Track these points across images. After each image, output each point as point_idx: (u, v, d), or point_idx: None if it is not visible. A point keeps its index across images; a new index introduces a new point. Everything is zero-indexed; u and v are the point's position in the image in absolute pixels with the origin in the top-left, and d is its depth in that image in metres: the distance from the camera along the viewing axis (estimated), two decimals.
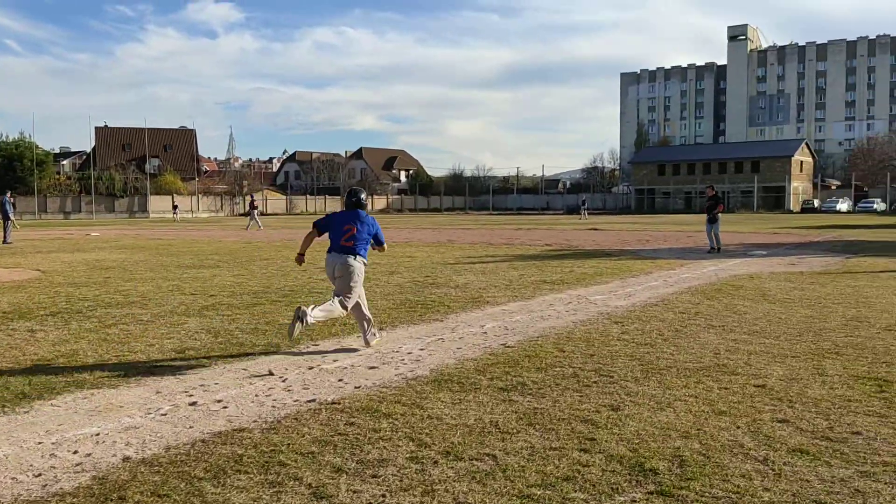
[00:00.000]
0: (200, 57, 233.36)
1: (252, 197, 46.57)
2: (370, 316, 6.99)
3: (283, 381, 5.69)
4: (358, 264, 6.72)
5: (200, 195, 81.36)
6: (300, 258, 7.17)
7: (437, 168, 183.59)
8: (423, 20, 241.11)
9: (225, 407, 4.99)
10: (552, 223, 43.68)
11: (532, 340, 7.16)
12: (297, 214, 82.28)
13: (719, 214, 18.43)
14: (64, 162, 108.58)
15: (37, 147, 73.80)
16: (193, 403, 5.07)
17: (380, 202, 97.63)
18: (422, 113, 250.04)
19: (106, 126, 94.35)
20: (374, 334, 6.98)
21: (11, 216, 24.01)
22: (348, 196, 7.02)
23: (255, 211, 36.21)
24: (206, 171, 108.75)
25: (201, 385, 5.58)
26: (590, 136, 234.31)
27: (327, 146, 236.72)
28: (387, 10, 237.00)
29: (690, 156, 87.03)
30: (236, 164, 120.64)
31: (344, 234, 6.72)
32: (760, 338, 7.24)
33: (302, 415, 4.78)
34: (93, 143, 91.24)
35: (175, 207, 63.99)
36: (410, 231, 32.76)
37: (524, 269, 14.35)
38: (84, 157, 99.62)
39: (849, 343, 6.96)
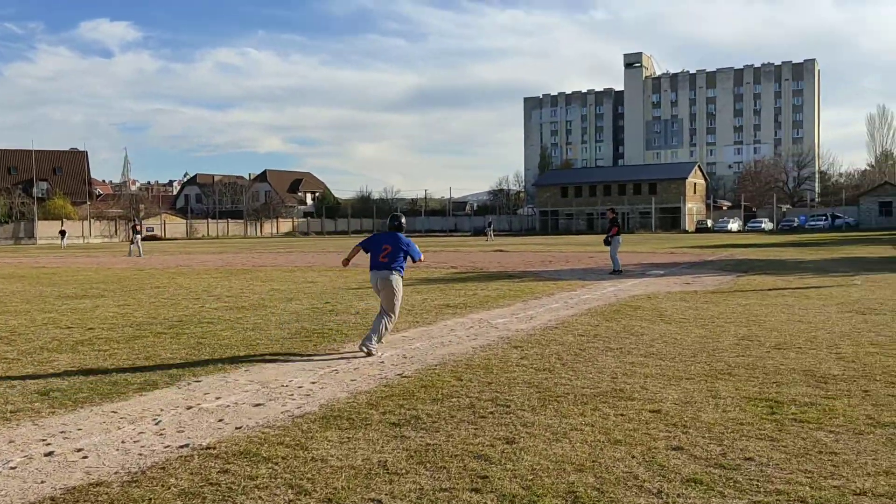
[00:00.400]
0: (94, 77, 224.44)
1: (135, 221, 44.93)
2: (389, 329, 8.09)
3: (157, 423, 5.22)
4: (396, 278, 8.00)
5: (93, 220, 77.60)
6: (346, 263, 8.93)
7: (345, 190, 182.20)
8: (327, 43, 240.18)
9: (85, 457, 4.50)
10: (459, 245, 43.84)
11: (430, 369, 6.92)
12: (199, 239, 79.67)
13: (619, 237, 18.80)
14: None
15: None
16: (50, 454, 4.56)
17: (285, 225, 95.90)
18: (329, 135, 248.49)
19: None
20: (375, 344, 7.71)
21: None
22: (390, 220, 8.29)
23: (138, 237, 34.80)
24: (100, 195, 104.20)
25: (62, 432, 5.05)
26: (497, 159, 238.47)
27: (232, 169, 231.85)
28: (291, 31, 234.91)
29: (591, 178, 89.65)
30: (132, 188, 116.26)
31: (381, 251, 7.94)
32: (657, 360, 7.25)
33: (171, 463, 4.36)
34: None
35: (62, 233, 60.37)
36: (314, 255, 32.11)
37: (428, 292, 14.14)
38: None
39: (741, 363, 7.05)
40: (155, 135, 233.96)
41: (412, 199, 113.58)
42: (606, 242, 18.82)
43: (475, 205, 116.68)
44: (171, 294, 14.50)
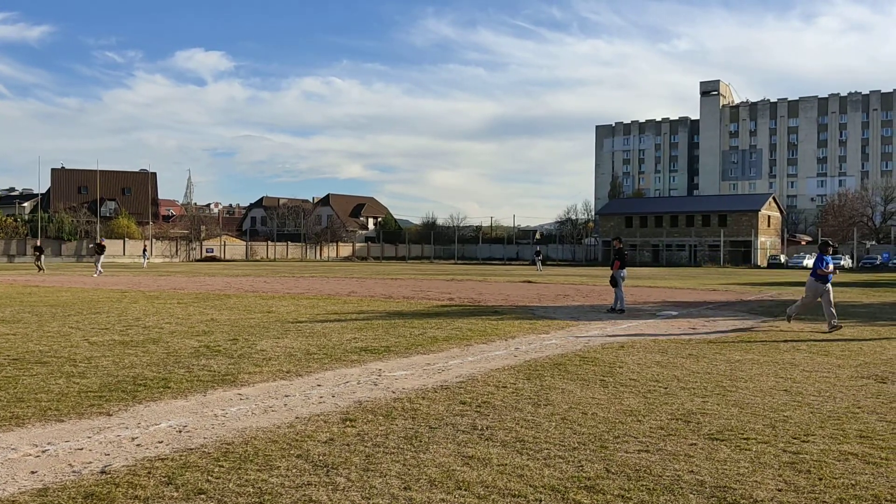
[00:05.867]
0: (188, 104, 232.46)
1: (101, 238, 46.51)
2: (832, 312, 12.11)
3: None
4: (809, 280, 13.05)
5: (155, 240, 78.67)
6: None
7: (413, 217, 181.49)
8: (409, 72, 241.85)
9: None
10: (498, 274, 41.49)
11: (178, 453, 4.84)
12: (256, 261, 79.76)
13: (623, 271, 16.24)
14: (25, 204, 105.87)
15: None
16: None
17: (345, 249, 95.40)
18: (407, 162, 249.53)
19: (63, 168, 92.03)
20: (835, 325, 12.17)
21: None
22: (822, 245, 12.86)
23: (100, 256, 34.81)
24: (173, 216, 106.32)
25: None
26: (569, 187, 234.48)
27: (311, 193, 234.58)
28: (374, 61, 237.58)
29: (658, 208, 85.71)
30: (215, 209, 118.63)
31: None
32: (514, 452, 4.96)
33: None
34: (46, 185, 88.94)
35: (144, 251, 59.69)
36: (325, 281, 30.42)
37: (371, 329, 12.06)
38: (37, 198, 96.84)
39: (633, 465, 4.70)
40: (242, 160, 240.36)
41: (476, 227, 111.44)
42: (612, 282, 16.27)
43: (542, 233, 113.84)
44: (81, 321, 12.86)
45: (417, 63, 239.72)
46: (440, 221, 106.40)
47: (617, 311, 15.70)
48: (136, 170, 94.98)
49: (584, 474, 4.51)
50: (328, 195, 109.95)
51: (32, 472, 4.37)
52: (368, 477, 4.40)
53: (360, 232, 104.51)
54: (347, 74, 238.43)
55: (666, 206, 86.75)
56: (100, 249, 35.39)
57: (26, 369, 7.93)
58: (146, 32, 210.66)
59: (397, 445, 5.11)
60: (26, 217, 79.42)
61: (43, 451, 4.83)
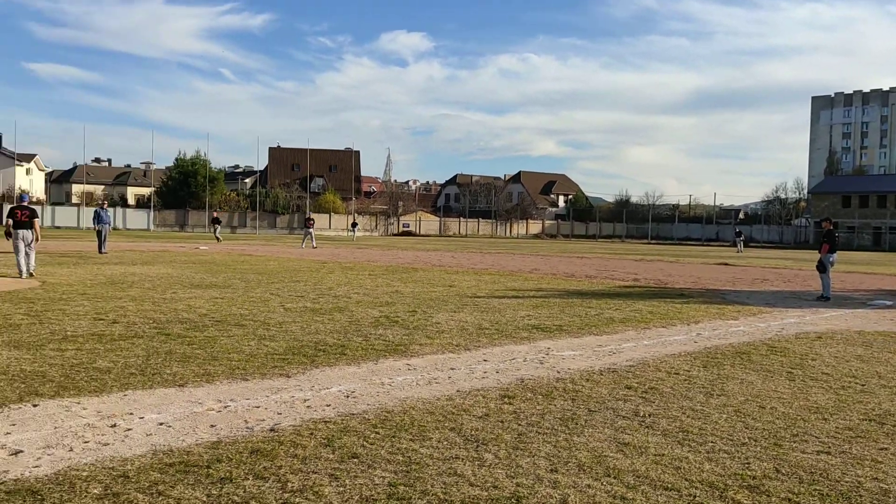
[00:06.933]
0: (391, 85, 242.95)
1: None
2: None
3: None
4: None
5: (357, 214, 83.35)
6: None
7: (605, 194, 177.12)
8: (607, 45, 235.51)
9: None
10: (692, 255, 39.56)
11: (341, 417, 5.09)
12: (449, 236, 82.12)
13: (832, 255, 14.80)
14: (246, 180, 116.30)
15: (209, 165, 78.96)
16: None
17: (534, 226, 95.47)
18: (602, 139, 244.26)
19: (279, 147, 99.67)
20: None
21: (107, 225, 24.70)
22: None
23: (311, 230, 37.72)
24: (373, 192, 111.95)
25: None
26: (779, 164, 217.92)
27: (503, 171, 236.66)
28: (571, 35, 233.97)
29: (882, 187, 77.22)
30: (412, 186, 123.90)
31: None
32: (675, 443, 4.69)
33: None
34: (264, 163, 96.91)
35: (354, 225, 63.02)
36: (510, 258, 30.57)
37: (547, 307, 11.97)
38: (256, 175, 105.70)
39: (807, 467, 4.27)
40: (439, 138, 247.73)
41: (673, 205, 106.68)
42: (820, 267, 14.88)
43: (746, 213, 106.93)
44: (281, 289, 13.88)
45: (617, 36, 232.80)
46: (634, 199, 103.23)
47: (822, 298, 14.38)
48: (342, 148, 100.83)
49: (749, 472, 4.18)
50: (519, 172, 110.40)
51: (211, 426, 4.79)
52: (517, 456, 4.37)
53: (551, 209, 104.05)
54: (543, 50, 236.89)
55: (891, 185, 77.96)
56: (309, 223, 38.12)
57: (225, 331, 8.71)
58: (355, 17, 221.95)
59: (552, 426, 5.02)
60: (247, 192, 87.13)
61: (225, 407, 5.28)
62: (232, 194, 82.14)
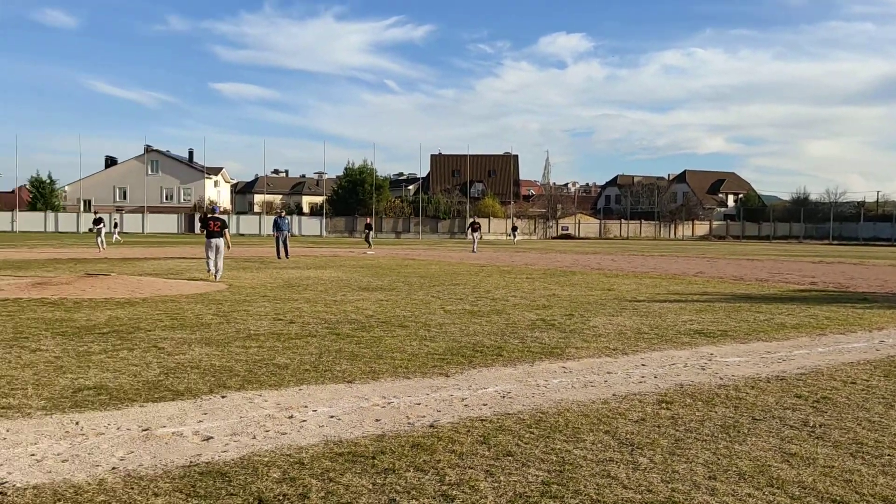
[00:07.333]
0: (550, 87, 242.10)
1: (475, 218, 51.33)
2: None
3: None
4: None
5: (515, 218, 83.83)
6: None
7: (781, 192, 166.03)
8: (781, 34, 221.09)
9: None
10: (880, 256, 36.36)
11: (497, 416, 5.25)
12: (610, 239, 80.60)
13: None
14: (410, 186, 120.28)
15: (376, 173, 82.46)
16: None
17: (701, 228, 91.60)
18: (776, 133, 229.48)
19: (440, 154, 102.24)
20: None
21: (286, 232, 26.58)
22: None
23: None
24: (532, 195, 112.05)
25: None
26: None
27: (667, 170, 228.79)
28: (740, 26, 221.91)
29: None
30: (572, 188, 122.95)
31: None
32: (847, 455, 4.44)
33: None
34: (426, 170, 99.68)
35: (514, 229, 61.75)
36: (674, 260, 29.51)
37: (711, 312, 11.53)
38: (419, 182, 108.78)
39: None
40: (599, 139, 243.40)
41: (857, 202, 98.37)
42: None
43: None
44: (442, 292, 14.29)
45: (791, 24, 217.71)
46: (813, 197, 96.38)
47: None
48: (501, 153, 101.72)
49: None
50: (684, 171, 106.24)
51: (376, 420, 5.11)
52: (673, 461, 4.32)
53: (719, 209, 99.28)
54: (710, 44, 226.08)
55: None
56: (476, 227, 38.86)
57: (390, 331, 9.15)
58: (514, 22, 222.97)
59: (712, 433, 4.91)
60: (410, 198, 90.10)
61: (388, 403, 5.60)
62: (396, 201, 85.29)
